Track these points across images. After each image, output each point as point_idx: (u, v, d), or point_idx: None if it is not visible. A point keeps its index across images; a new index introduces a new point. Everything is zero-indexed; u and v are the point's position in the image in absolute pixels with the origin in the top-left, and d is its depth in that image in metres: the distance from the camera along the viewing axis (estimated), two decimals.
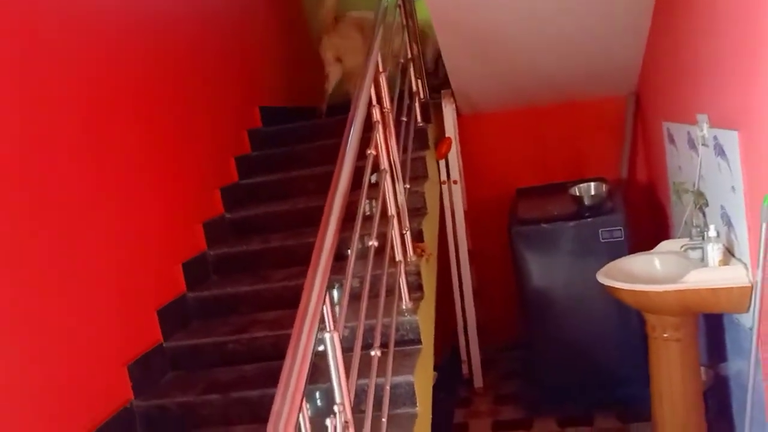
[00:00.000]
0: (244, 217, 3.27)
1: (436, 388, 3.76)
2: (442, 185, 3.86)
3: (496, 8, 3.16)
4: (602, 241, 3.21)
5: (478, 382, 4.05)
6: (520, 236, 3.35)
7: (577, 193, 3.38)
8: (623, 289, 2.43)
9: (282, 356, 1.28)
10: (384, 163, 2.35)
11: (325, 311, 1.40)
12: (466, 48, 3.51)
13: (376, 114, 2.31)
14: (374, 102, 2.31)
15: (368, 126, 2.21)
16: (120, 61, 2.67)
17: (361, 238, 2.05)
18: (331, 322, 1.41)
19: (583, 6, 3.14)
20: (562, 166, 4.09)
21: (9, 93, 2.04)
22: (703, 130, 2.45)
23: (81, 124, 2.37)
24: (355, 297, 1.90)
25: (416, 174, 3.17)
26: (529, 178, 4.12)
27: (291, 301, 2.20)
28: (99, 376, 2.26)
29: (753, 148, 2.03)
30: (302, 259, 2.00)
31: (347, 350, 1.59)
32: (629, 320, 3.15)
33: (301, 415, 1.17)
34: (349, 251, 1.82)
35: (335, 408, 1.38)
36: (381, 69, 2.51)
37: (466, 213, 4.00)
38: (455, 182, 3.87)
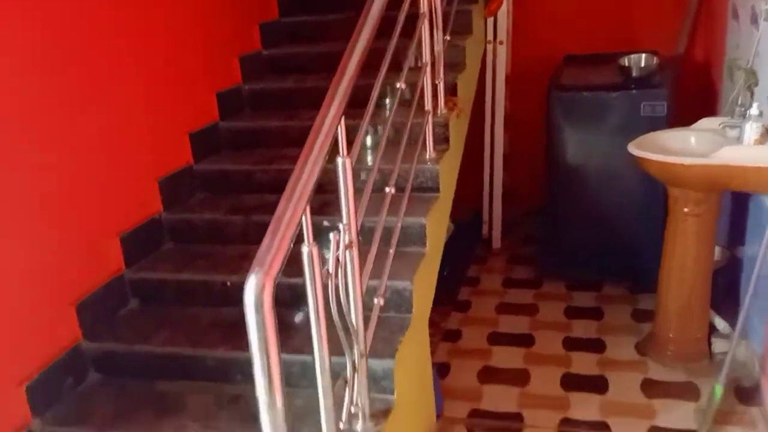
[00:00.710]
0: (281, 55, 3.25)
1: (453, 241, 3.91)
2: (488, 44, 3.74)
3: None
4: (643, 115, 3.12)
5: (497, 243, 4.16)
6: (559, 102, 3.28)
7: (626, 64, 3.25)
8: (652, 161, 2.41)
9: None
10: (423, 7, 2.27)
11: (339, 134, 1.43)
12: None
13: None
14: None
15: None
16: None
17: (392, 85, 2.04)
18: (344, 147, 1.45)
19: None
20: (618, 35, 3.89)
21: None
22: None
23: None
24: (379, 142, 1.92)
25: (459, 28, 3.06)
26: (581, 45, 3.93)
27: None
28: (132, 189, 2.41)
29: None
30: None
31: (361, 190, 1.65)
32: (655, 197, 3.12)
33: (304, 218, 1.23)
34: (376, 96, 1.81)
35: (340, 226, 1.45)
36: None
37: (508, 76, 3.90)
38: (501, 43, 3.74)
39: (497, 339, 3.22)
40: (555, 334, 3.21)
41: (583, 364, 2.95)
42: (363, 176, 2.30)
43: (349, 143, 1.50)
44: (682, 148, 2.56)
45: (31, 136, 1.97)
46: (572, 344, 3.11)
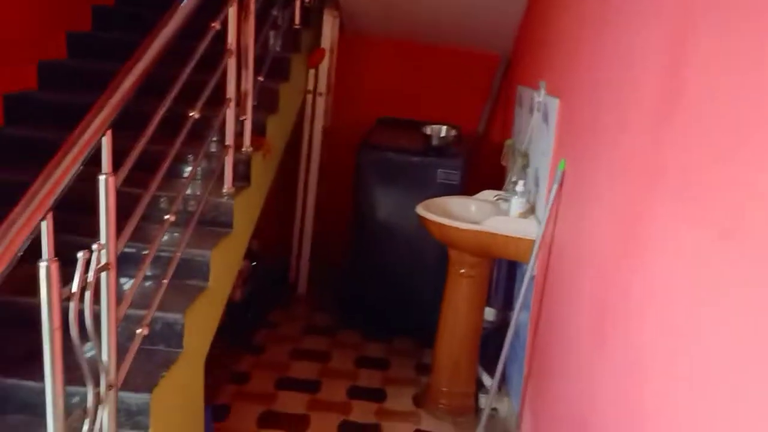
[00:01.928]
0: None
1: (258, 284, 3.89)
2: (308, 94, 3.86)
3: None
4: (439, 181, 3.39)
5: (302, 288, 4.21)
6: (366, 159, 3.46)
7: (428, 132, 3.53)
8: (433, 222, 2.61)
9: None
10: (231, 44, 2.31)
11: (103, 149, 1.39)
12: None
13: None
14: None
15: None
16: None
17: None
18: (109, 163, 1.41)
19: None
20: (428, 106, 4.22)
21: None
22: (540, 96, 2.64)
23: None
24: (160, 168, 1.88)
25: (277, 72, 3.14)
26: (394, 109, 4.22)
27: None
28: None
29: (566, 116, 2.22)
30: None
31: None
32: (442, 258, 3.37)
33: (44, 229, 1.17)
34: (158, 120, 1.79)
35: (93, 246, 1.39)
36: None
37: (325, 128, 4.04)
38: (320, 94, 3.89)
39: (285, 384, 3.22)
40: (342, 381, 3.27)
41: (362, 412, 3.03)
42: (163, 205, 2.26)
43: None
44: (463, 214, 2.81)
45: None
46: (356, 392, 3.19)
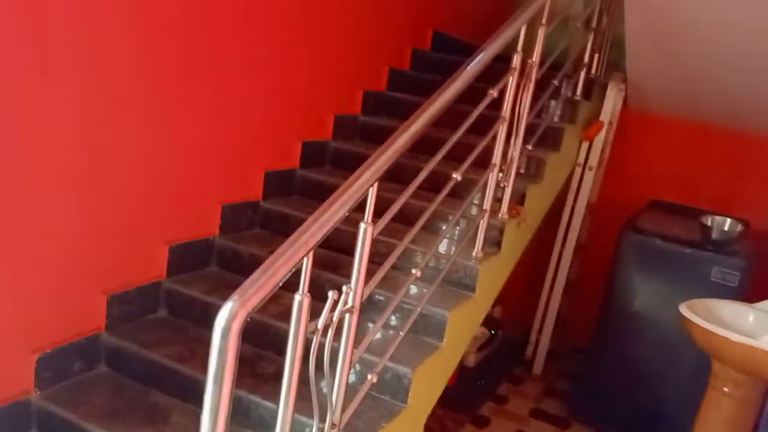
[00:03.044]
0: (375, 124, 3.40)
1: (494, 355, 3.81)
2: (577, 167, 3.74)
3: (698, 10, 2.91)
4: (713, 279, 2.99)
5: (537, 368, 4.01)
6: (630, 242, 3.21)
7: (708, 223, 3.15)
8: (698, 326, 2.29)
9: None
10: (505, 112, 2.34)
11: (368, 199, 1.48)
12: (653, 41, 3.28)
13: (516, 61, 2.28)
14: (519, 49, 2.29)
15: None
16: None
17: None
18: (371, 213, 1.49)
19: None
20: (709, 194, 3.79)
21: None
22: None
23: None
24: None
25: (548, 141, 3.10)
26: (670, 192, 3.87)
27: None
28: (193, 209, 2.58)
29: None
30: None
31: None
32: (701, 366, 2.93)
33: (304, 265, 1.27)
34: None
35: (344, 287, 1.47)
36: (544, 21, 2.46)
37: (591, 204, 3.86)
38: (590, 169, 3.73)
39: None
40: None
41: None
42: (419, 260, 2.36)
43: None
44: (736, 322, 2.41)
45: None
46: None
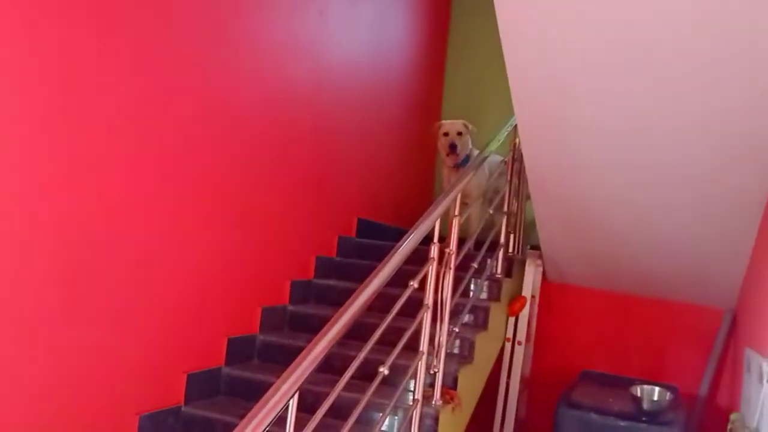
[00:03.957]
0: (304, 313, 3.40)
1: None
2: (506, 341, 3.79)
3: (602, 197, 3.15)
4: None
5: None
6: (566, 419, 3.18)
7: (638, 394, 3.18)
8: None
9: None
10: (428, 300, 2.40)
11: (289, 412, 1.44)
12: (561, 224, 3.51)
13: (434, 251, 2.40)
14: (435, 240, 2.41)
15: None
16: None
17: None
18: (291, 425, 1.45)
19: (688, 209, 3.08)
20: (639, 361, 3.89)
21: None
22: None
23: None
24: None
25: (475, 321, 3.17)
26: (601, 361, 3.94)
27: None
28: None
29: None
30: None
31: None
32: None
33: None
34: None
35: None
36: (456, 212, 2.63)
37: (525, 379, 3.86)
38: (519, 343, 3.78)
39: None
40: None
41: None
42: None
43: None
44: None
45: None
46: None
